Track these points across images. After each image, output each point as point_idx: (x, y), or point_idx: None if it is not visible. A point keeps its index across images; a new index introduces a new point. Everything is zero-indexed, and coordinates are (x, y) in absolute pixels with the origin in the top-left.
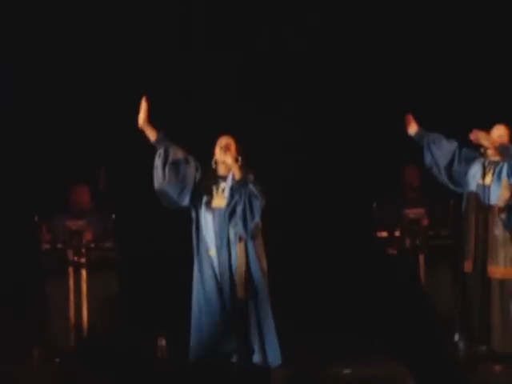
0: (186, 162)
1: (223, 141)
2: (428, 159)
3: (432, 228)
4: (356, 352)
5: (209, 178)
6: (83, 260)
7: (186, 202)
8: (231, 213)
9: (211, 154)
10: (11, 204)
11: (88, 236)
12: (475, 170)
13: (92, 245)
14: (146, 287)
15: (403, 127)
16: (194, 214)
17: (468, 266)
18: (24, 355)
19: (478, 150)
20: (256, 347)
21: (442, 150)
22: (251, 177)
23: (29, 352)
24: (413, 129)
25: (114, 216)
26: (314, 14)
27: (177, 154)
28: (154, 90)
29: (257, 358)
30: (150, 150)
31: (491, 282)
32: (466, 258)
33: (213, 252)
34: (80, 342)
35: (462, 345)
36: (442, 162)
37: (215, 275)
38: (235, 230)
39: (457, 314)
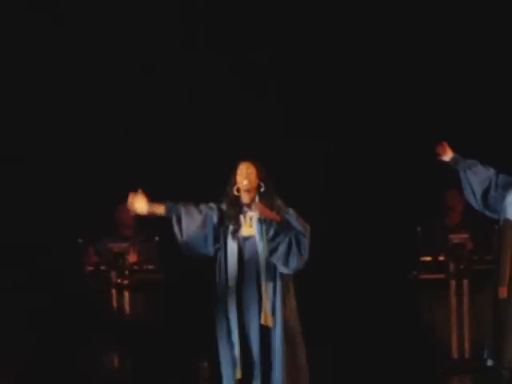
0: (199, 212)
1: (244, 169)
2: (466, 188)
3: (476, 253)
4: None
5: (233, 206)
6: (126, 282)
7: (211, 249)
8: (272, 250)
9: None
10: (58, 226)
11: (132, 258)
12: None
13: (135, 267)
14: (188, 309)
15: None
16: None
17: (502, 293)
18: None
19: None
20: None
21: (478, 177)
22: (289, 210)
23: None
24: (448, 155)
25: (157, 238)
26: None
27: (188, 211)
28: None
29: None
30: (189, 175)
31: None
32: (500, 284)
33: (232, 284)
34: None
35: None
36: (479, 188)
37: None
38: (278, 267)
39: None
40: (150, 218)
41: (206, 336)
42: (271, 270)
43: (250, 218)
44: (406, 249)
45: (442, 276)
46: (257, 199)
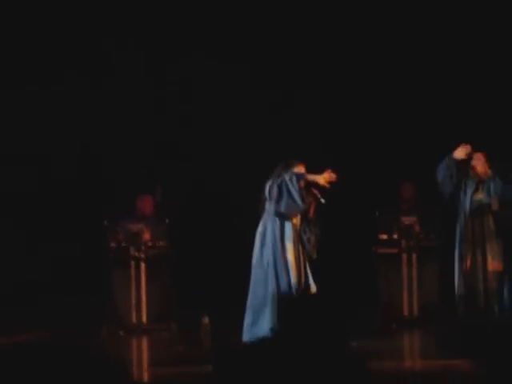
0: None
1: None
2: (444, 175)
3: (423, 233)
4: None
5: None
6: (142, 255)
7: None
8: (308, 240)
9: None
10: (85, 211)
11: (146, 236)
12: (469, 186)
13: (149, 243)
14: (193, 278)
15: (404, 148)
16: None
17: (466, 263)
18: (96, 330)
19: (465, 173)
20: None
21: (453, 181)
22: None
23: (99, 327)
24: (461, 156)
25: (167, 221)
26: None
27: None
28: None
29: None
30: (193, 171)
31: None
32: (465, 256)
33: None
34: (138, 320)
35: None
36: (449, 188)
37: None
38: (308, 252)
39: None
40: (162, 205)
41: (207, 295)
42: None
43: None
44: (367, 228)
45: (395, 251)
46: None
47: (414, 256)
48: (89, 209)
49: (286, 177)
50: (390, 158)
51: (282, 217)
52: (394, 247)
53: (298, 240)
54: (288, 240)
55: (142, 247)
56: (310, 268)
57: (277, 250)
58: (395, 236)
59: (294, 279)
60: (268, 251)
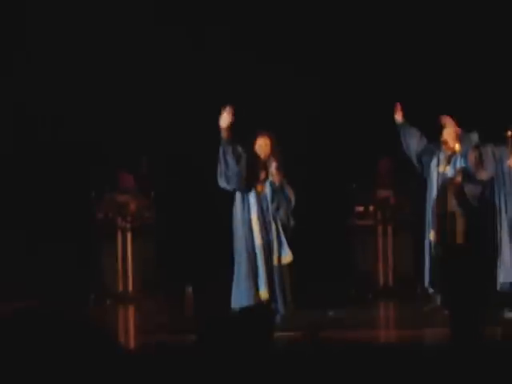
0: (243, 155)
1: (261, 142)
2: (404, 146)
3: (398, 205)
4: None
5: (253, 165)
6: (129, 226)
7: (243, 186)
8: (276, 209)
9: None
10: (75, 185)
11: (132, 207)
12: (436, 161)
13: (135, 214)
14: (177, 248)
15: (382, 122)
16: (241, 194)
17: (432, 236)
18: (84, 299)
19: (438, 145)
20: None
21: (415, 144)
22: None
23: (87, 296)
24: (399, 117)
25: (152, 193)
26: None
27: (243, 152)
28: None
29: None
30: (182, 143)
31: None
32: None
33: (256, 226)
34: (124, 289)
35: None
36: (414, 153)
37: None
38: (281, 220)
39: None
40: (147, 178)
41: (190, 265)
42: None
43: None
44: (344, 201)
45: (371, 222)
46: (273, 165)
47: (389, 228)
48: (76, 180)
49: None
50: (367, 133)
51: (235, 190)
52: (369, 219)
53: (266, 209)
54: (252, 212)
55: (129, 218)
56: (287, 236)
57: (242, 224)
58: (371, 208)
59: (259, 249)
60: (236, 224)
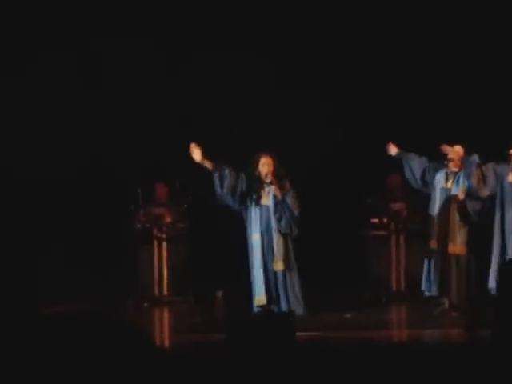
0: (237, 177)
1: (264, 161)
2: (407, 172)
3: (409, 217)
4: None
5: (256, 182)
6: (164, 235)
7: (237, 204)
8: (278, 220)
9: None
10: (111, 199)
11: (168, 219)
12: (439, 177)
13: (170, 225)
14: (207, 255)
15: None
16: (244, 211)
17: (433, 244)
18: (123, 303)
19: (443, 162)
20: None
21: (416, 164)
22: (290, 192)
23: (125, 300)
24: (393, 151)
25: (185, 206)
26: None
27: (230, 174)
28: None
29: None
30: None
31: (450, 257)
32: (431, 238)
33: (257, 236)
34: (160, 293)
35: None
36: (418, 173)
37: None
38: (282, 230)
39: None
40: (182, 192)
41: (221, 271)
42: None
43: (268, 192)
44: (361, 214)
45: (385, 233)
46: (274, 182)
47: (402, 237)
48: (115, 196)
49: None
50: (378, 151)
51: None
52: (384, 230)
53: (268, 220)
54: (254, 224)
55: (164, 228)
56: (288, 246)
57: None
58: (385, 220)
59: (258, 262)
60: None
